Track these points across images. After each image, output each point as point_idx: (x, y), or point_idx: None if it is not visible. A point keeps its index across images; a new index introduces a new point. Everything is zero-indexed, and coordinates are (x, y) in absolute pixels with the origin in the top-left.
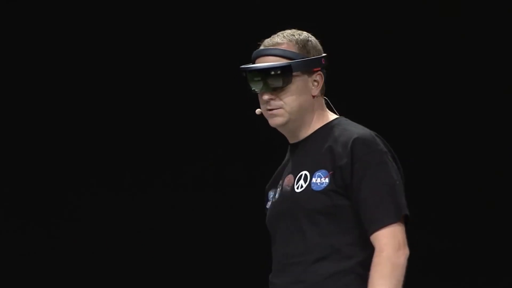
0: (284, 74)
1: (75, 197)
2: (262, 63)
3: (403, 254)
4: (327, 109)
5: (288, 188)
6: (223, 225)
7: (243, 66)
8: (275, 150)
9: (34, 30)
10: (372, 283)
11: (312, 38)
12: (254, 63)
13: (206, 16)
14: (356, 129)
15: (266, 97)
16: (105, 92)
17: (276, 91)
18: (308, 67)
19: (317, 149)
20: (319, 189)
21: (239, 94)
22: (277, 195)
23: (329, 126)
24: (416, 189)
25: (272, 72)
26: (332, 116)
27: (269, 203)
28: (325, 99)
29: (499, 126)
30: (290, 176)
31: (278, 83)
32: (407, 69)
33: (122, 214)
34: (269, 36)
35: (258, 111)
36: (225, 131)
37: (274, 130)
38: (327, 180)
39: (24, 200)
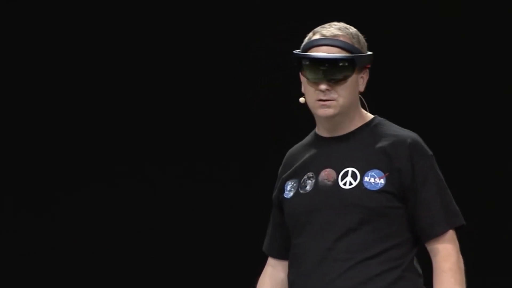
0: (349, 67)
1: (70, 193)
2: (322, 53)
3: (462, 260)
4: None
5: (329, 183)
6: (224, 223)
7: (307, 54)
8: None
9: (28, 27)
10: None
11: (361, 35)
12: (306, 51)
13: (202, 15)
14: (405, 131)
15: (323, 86)
16: (104, 88)
17: (335, 82)
18: (364, 63)
19: (365, 148)
20: (374, 189)
21: (237, 93)
22: (308, 187)
23: (372, 124)
24: None
25: (341, 64)
26: (369, 114)
27: (289, 193)
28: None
29: (499, 126)
30: (330, 171)
31: (340, 75)
32: (406, 69)
33: (121, 212)
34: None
35: (302, 100)
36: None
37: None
38: (382, 181)
39: (22, 195)
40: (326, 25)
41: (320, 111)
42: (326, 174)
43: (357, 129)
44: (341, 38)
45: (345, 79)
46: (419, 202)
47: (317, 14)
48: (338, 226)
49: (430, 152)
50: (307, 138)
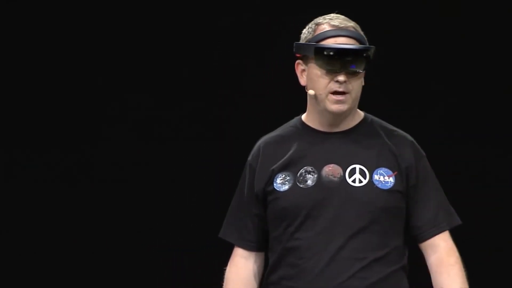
0: (368, 59)
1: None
2: (347, 45)
3: None
4: None
5: (335, 179)
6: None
7: (325, 44)
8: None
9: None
10: (457, 281)
11: None
12: (320, 42)
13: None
14: (400, 130)
15: (342, 78)
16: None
17: (351, 75)
18: (373, 56)
19: (369, 145)
20: (385, 188)
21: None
22: (309, 182)
23: (368, 121)
24: None
25: (365, 55)
26: (359, 110)
27: (283, 186)
28: None
29: (499, 127)
30: (335, 166)
31: (359, 66)
32: (406, 69)
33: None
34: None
35: (311, 92)
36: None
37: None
38: (391, 179)
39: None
40: (330, 16)
41: (335, 107)
42: (331, 170)
43: (357, 125)
44: (351, 29)
45: (361, 71)
46: (419, 201)
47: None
48: (350, 224)
49: (424, 152)
50: (288, 129)
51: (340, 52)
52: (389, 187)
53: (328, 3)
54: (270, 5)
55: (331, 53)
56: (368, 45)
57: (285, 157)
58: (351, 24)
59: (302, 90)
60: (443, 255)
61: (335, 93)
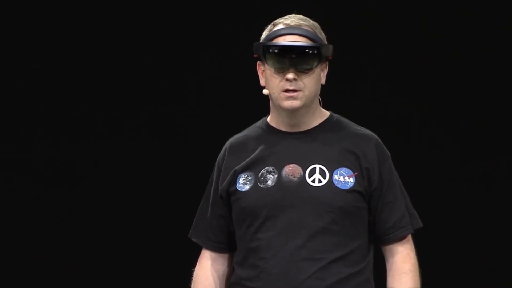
0: (316, 56)
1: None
2: (290, 42)
3: None
4: None
5: (295, 179)
6: None
7: (273, 42)
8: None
9: None
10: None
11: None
12: (271, 41)
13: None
14: (366, 130)
15: (291, 76)
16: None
17: (302, 72)
18: (328, 53)
19: (330, 144)
20: (345, 188)
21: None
22: (269, 182)
23: (332, 121)
24: None
25: (309, 51)
26: (324, 110)
27: (244, 186)
28: None
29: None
30: (295, 166)
31: (308, 64)
32: (405, 69)
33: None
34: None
35: (265, 91)
36: None
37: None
38: (352, 180)
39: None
40: (286, 16)
41: (286, 103)
42: (291, 170)
43: (319, 125)
44: (305, 27)
45: (312, 68)
46: (384, 204)
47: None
48: (309, 225)
49: (388, 153)
50: (254, 130)
51: (286, 50)
52: (348, 187)
53: (328, 3)
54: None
55: (276, 51)
56: (317, 43)
57: (248, 158)
58: (304, 22)
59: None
60: (399, 261)
61: (287, 91)
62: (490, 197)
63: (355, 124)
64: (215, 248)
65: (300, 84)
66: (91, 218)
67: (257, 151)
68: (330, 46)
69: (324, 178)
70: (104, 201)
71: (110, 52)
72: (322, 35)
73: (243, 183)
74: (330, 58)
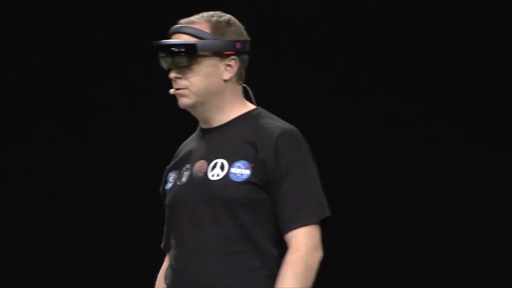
0: (189, 53)
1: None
2: (161, 41)
3: (318, 256)
4: (244, 99)
5: (200, 174)
6: None
7: (154, 42)
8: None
9: None
10: (282, 280)
11: (236, 23)
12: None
13: None
14: (280, 123)
15: (172, 75)
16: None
17: (184, 70)
18: (216, 49)
19: (236, 139)
20: (239, 180)
21: None
22: (184, 179)
23: (249, 116)
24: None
25: (176, 49)
26: (250, 106)
27: (169, 185)
28: (244, 87)
29: (500, 127)
30: (203, 162)
31: (183, 61)
32: (405, 69)
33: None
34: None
35: (171, 91)
36: None
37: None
38: (248, 172)
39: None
40: (199, 14)
41: (178, 102)
42: (199, 166)
43: (232, 120)
44: (195, 26)
45: (191, 65)
46: (280, 196)
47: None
48: (207, 219)
49: (305, 145)
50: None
51: (160, 49)
52: (243, 179)
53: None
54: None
55: (154, 50)
56: (185, 41)
57: (179, 157)
58: (196, 20)
59: None
60: (287, 253)
61: (176, 89)
62: (490, 197)
63: (276, 118)
64: (166, 249)
65: (183, 82)
66: (91, 218)
67: (187, 150)
68: (223, 42)
69: (223, 172)
70: (104, 200)
71: (108, 51)
72: (222, 31)
73: (170, 182)
74: (228, 53)
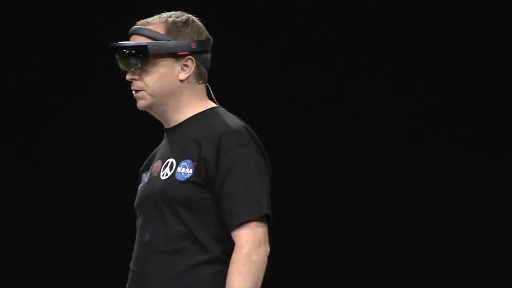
0: (140, 54)
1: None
2: (115, 43)
3: (264, 251)
4: (206, 98)
5: (156, 174)
6: None
7: (110, 44)
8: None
9: None
10: (230, 280)
11: (194, 23)
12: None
13: None
14: (229, 122)
15: (128, 77)
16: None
17: (138, 72)
18: (169, 50)
19: (187, 138)
20: (182, 179)
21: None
22: (146, 179)
23: (204, 115)
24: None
25: (127, 51)
26: (209, 105)
27: (139, 185)
28: (206, 87)
29: (499, 127)
30: (159, 162)
31: (136, 63)
32: (405, 69)
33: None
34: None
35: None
36: None
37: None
38: (191, 171)
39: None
40: (158, 14)
41: (137, 104)
42: (156, 166)
43: (187, 119)
44: (149, 27)
45: (143, 66)
46: (221, 194)
47: (313, 14)
48: (155, 219)
49: (250, 143)
50: None
51: (112, 51)
52: (185, 178)
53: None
54: None
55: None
56: (136, 42)
57: (148, 158)
58: (151, 21)
59: None
60: (234, 252)
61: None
62: (490, 197)
63: (228, 116)
64: None
65: (139, 83)
66: (91, 218)
67: (155, 151)
68: (176, 43)
69: (171, 171)
70: (104, 200)
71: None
72: (177, 32)
73: (141, 182)
74: (182, 54)
